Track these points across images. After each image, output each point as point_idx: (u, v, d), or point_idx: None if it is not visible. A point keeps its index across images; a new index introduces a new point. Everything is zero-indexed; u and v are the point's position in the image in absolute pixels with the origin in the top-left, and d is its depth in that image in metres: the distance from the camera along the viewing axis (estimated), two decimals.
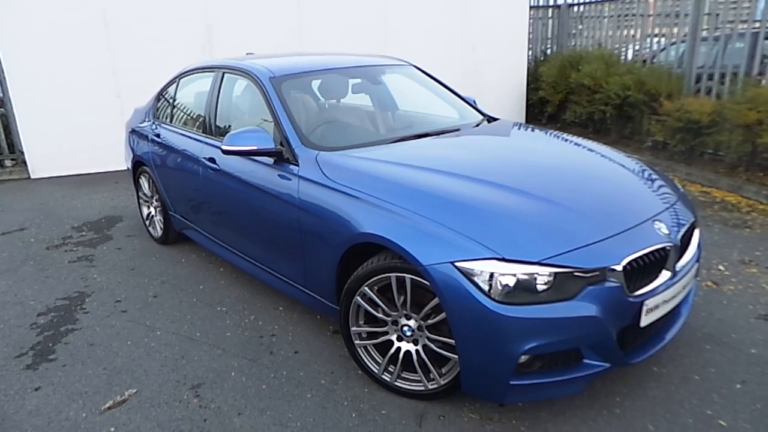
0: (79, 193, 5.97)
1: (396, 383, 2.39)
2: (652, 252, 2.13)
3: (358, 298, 2.37)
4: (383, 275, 2.26)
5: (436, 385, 2.29)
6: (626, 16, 7.57)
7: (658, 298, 2.14)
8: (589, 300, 1.98)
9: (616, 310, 2.04)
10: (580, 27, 8.50)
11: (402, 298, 2.26)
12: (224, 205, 3.33)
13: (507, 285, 1.95)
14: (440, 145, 2.94)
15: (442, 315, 2.12)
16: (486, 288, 1.96)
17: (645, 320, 2.14)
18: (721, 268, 3.54)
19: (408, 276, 2.18)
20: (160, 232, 4.33)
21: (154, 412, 2.37)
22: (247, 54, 4.04)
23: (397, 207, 2.23)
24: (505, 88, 8.21)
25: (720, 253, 3.75)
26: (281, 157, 2.80)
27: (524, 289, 1.95)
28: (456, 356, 2.15)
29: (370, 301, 2.36)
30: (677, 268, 2.25)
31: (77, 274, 3.84)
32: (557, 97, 7.83)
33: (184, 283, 3.64)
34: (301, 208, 2.63)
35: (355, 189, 2.42)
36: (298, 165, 2.72)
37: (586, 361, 2.08)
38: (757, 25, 5.71)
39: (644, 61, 7.26)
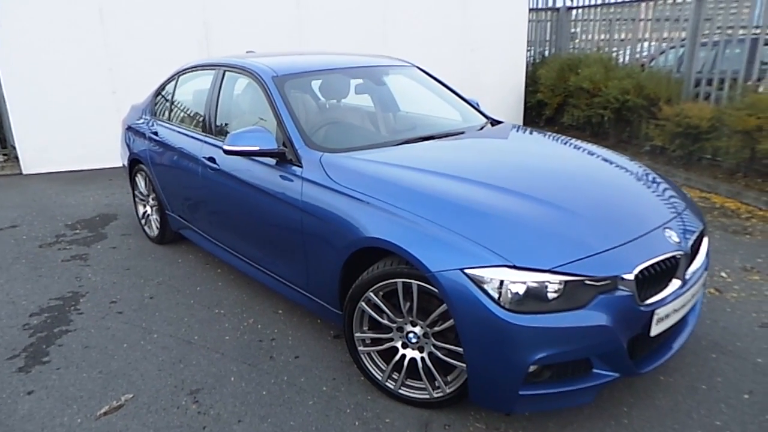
0: (73, 190, 5.88)
1: (400, 391, 2.34)
2: (663, 260, 2.10)
3: (363, 303, 2.33)
4: (389, 281, 2.21)
5: (441, 394, 2.24)
6: (623, 20, 7.57)
7: (669, 307, 2.11)
8: (600, 309, 1.94)
9: (627, 319, 2.01)
10: (575, 30, 8.51)
11: (408, 304, 2.22)
12: (223, 206, 3.27)
13: (517, 293, 1.91)
14: (446, 149, 2.90)
15: (450, 322, 2.08)
16: (496, 296, 1.92)
17: (655, 330, 2.11)
18: (723, 275, 3.52)
19: (415, 282, 2.14)
20: (156, 232, 4.26)
21: (151, 419, 2.31)
22: (247, 52, 3.98)
23: (404, 211, 2.19)
24: (503, 89, 8.19)
25: (722, 259, 3.74)
26: (284, 158, 2.75)
27: (535, 298, 1.92)
28: (463, 364, 2.11)
29: (375, 307, 2.32)
30: (687, 277, 2.23)
31: (71, 274, 3.76)
32: (556, 100, 7.82)
33: (180, 285, 3.57)
34: (304, 210, 2.58)
35: (360, 192, 2.37)
36: (301, 166, 2.66)
37: (595, 370, 2.04)
38: (757, 30, 5.72)
39: (642, 65, 7.26)
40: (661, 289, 2.12)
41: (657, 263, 2.07)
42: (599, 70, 6.98)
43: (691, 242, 2.26)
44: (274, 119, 2.89)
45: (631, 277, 1.97)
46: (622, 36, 7.69)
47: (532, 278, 1.91)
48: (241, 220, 3.12)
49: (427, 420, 2.25)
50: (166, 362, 2.71)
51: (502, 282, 1.91)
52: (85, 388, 2.52)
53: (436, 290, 2.06)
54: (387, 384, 2.37)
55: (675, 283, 2.17)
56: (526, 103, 8.45)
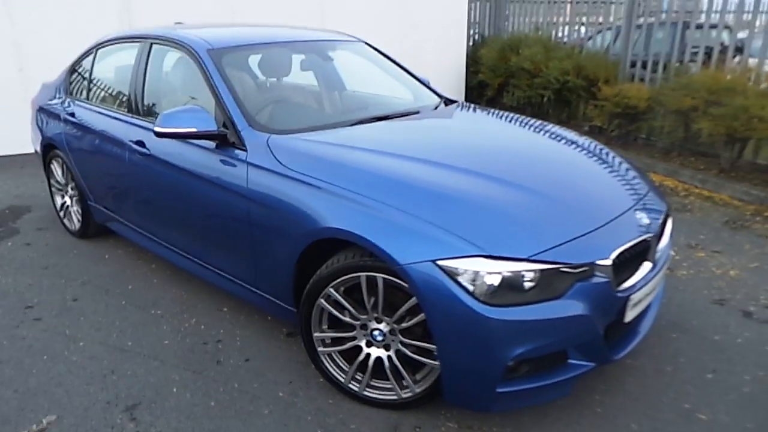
0: None
1: (365, 393, 2.16)
2: (635, 244, 2.02)
3: (322, 300, 2.11)
4: (351, 275, 2.01)
5: (410, 394, 2.08)
6: (561, 2, 7.63)
7: (642, 291, 2.04)
8: (578, 298, 1.84)
9: (605, 306, 1.92)
10: (508, 13, 8.52)
11: (373, 299, 2.03)
12: (156, 195, 2.93)
13: (493, 285, 1.76)
14: (403, 129, 2.70)
15: (419, 317, 1.92)
16: (471, 288, 1.77)
17: (629, 315, 2.04)
18: (671, 252, 3.57)
19: (380, 276, 1.95)
20: (77, 225, 3.82)
21: None
22: (176, 24, 3.59)
23: (366, 198, 1.98)
24: (444, 69, 8.06)
25: None
26: (225, 140, 2.46)
27: (511, 289, 1.78)
28: (433, 362, 1.96)
29: (336, 304, 2.11)
30: (656, 259, 2.17)
31: None
32: (497, 80, 7.80)
33: (109, 284, 3.20)
34: (250, 198, 2.32)
35: (315, 177, 2.14)
36: (245, 150, 2.39)
37: (571, 361, 1.95)
38: (685, 13, 5.90)
39: (578, 46, 7.36)
40: (633, 273, 2.05)
41: (630, 247, 1.99)
42: (540, 51, 7.00)
43: (659, 224, 2.20)
44: (212, 97, 2.58)
45: (608, 262, 1.88)
46: (560, 18, 7.76)
47: (509, 268, 1.77)
48: (176, 210, 2.80)
49: (395, 422, 2.09)
50: (96, 374, 2.39)
51: (477, 273, 1.76)
52: None
53: (404, 284, 1.88)
54: (351, 386, 2.18)
55: (646, 266, 2.10)
56: (467, 84, 8.39)
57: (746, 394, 2.24)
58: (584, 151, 2.59)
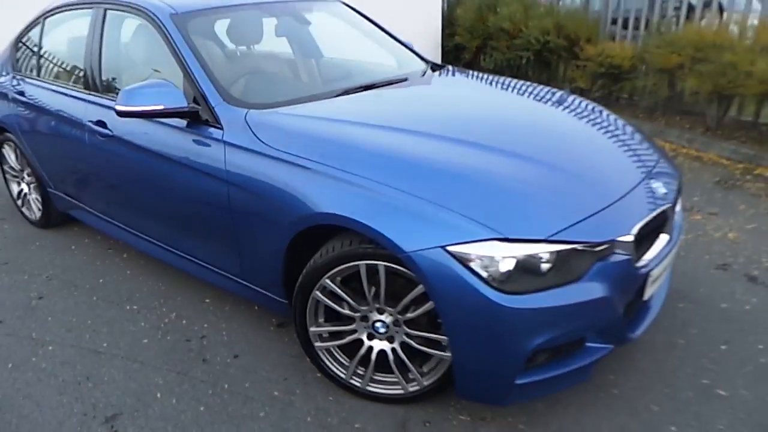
0: None
1: (368, 388, 2.01)
2: (655, 216, 1.87)
3: (317, 292, 1.92)
4: (349, 264, 1.82)
5: (417, 387, 1.93)
6: None
7: (661, 266, 1.91)
8: (599, 279, 1.69)
9: (626, 285, 1.79)
10: None
11: (373, 289, 1.85)
12: (122, 181, 2.66)
13: (509, 270, 1.60)
14: (395, 99, 2.48)
15: (426, 307, 1.75)
16: (486, 275, 1.60)
17: (648, 292, 1.91)
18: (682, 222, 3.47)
19: (382, 264, 1.77)
20: (38, 214, 3.52)
21: None
22: None
23: (363, 178, 1.78)
24: (418, 31, 7.66)
25: None
26: (197, 118, 2.21)
27: (528, 274, 1.62)
28: (441, 353, 1.81)
29: (332, 295, 1.93)
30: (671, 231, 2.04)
31: None
32: (474, 42, 7.52)
33: (78, 278, 2.95)
34: (230, 182, 2.09)
35: (303, 157, 1.92)
36: (221, 128, 2.15)
37: (589, 344, 1.81)
38: None
39: (552, 4, 7.14)
40: (650, 247, 1.91)
41: (651, 220, 1.84)
42: (519, 9, 6.75)
43: (675, 193, 2.06)
44: (179, 70, 2.31)
45: (630, 238, 1.73)
46: None
47: (527, 251, 1.60)
48: (146, 197, 2.55)
49: (403, 418, 1.95)
50: (69, 383, 2.17)
51: (492, 258, 1.59)
52: None
53: (410, 273, 1.71)
54: (352, 381, 2.02)
55: (663, 239, 1.97)
56: (443, 47, 8.10)
57: (763, 365, 2.16)
58: (590, 117, 2.42)
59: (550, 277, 1.64)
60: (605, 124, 2.38)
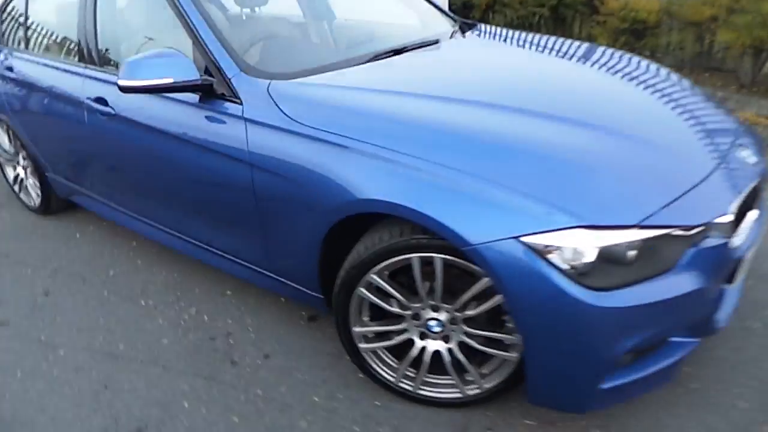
0: None
1: (420, 391, 1.80)
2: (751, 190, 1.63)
3: (362, 289, 1.69)
4: (400, 257, 1.59)
5: (477, 390, 1.73)
6: None
7: (754, 247, 1.68)
8: (694, 267, 1.46)
9: (719, 272, 1.55)
10: None
11: (428, 284, 1.62)
12: (128, 163, 2.40)
13: (594, 263, 1.36)
14: (432, 65, 2.20)
15: (491, 302, 1.53)
16: (568, 268, 1.37)
17: (739, 276, 1.68)
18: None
19: (439, 257, 1.53)
20: (37, 200, 3.27)
21: None
22: None
23: (415, 159, 1.52)
24: None
25: None
26: (211, 91, 1.94)
27: (615, 266, 1.39)
28: (504, 353, 1.60)
29: (379, 292, 1.70)
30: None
31: None
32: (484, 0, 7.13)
33: (85, 270, 2.72)
34: (253, 164, 1.83)
35: (339, 134, 1.66)
36: (240, 102, 1.87)
37: (675, 339, 1.59)
38: None
39: None
40: (739, 225, 1.67)
41: (747, 195, 1.60)
42: None
43: (765, 161, 1.81)
44: (188, 37, 2.02)
45: (729, 218, 1.49)
46: None
47: (616, 239, 1.37)
48: (155, 181, 2.29)
49: (462, 425, 1.74)
50: (86, 392, 1.96)
51: (575, 250, 1.36)
52: None
53: (474, 266, 1.47)
54: (402, 384, 1.81)
55: (752, 215, 1.72)
56: (450, 5, 7.68)
57: None
58: (658, 79, 2.14)
59: (638, 267, 1.41)
60: (676, 87, 2.10)
